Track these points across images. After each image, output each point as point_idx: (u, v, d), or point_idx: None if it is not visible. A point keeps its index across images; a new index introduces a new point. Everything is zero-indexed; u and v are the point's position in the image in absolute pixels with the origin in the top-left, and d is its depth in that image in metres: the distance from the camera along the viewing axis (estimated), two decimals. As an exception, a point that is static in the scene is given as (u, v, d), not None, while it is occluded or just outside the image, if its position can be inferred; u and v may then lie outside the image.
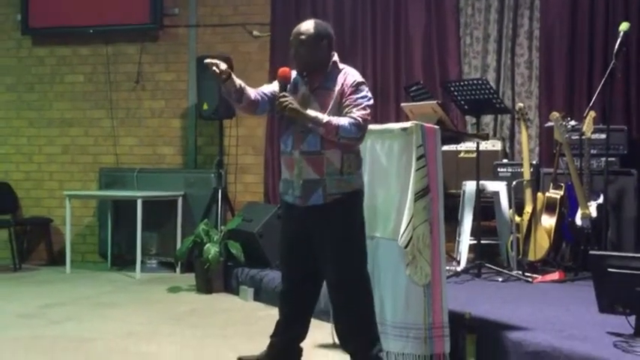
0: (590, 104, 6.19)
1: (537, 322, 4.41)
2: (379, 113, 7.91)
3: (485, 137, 6.51)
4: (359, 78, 4.09)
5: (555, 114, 6.25)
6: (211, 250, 6.86)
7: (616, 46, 5.89)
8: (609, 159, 6.26)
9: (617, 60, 5.90)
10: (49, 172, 9.21)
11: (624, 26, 5.97)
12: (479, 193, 6.30)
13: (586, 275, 5.82)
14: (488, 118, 7.56)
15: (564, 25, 7.36)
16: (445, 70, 7.77)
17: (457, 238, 6.71)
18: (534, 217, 6.32)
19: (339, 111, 4.00)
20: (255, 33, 8.41)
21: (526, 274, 6.10)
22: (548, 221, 6.37)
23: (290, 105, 3.93)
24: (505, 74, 7.66)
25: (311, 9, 8.14)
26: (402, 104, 6.09)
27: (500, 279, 6.05)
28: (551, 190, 6.44)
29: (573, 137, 6.30)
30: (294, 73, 4.20)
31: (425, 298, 4.13)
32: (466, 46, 7.82)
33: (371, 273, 4.37)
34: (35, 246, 9.14)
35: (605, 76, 5.97)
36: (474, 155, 6.36)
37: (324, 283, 4.21)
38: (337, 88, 4.04)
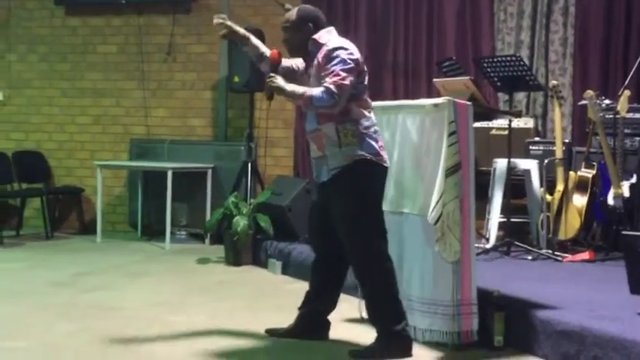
0: (626, 83, 6.12)
1: (566, 301, 4.38)
2: (410, 88, 7.89)
3: (518, 114, 6.48)
4: (334, 44, 4.05)
5: (589, 92, 6.17)
6: (240, 222, 6.88)
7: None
8: (643, 138, 6.19)
9: (654, 38, 5.82)
10: (80, 142, 9.28)
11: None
12: (510, 170, 6.26)
13: (617, 255, 5.77)
14: (520, 95, 7.49)
15: (600, 2, 7.25)
16: (478, 46, 7.70)
17: (487, 216, 6.68)
18: (565, 195, 6.27)
19: (318, 84, 4.02)
20: (287, 6, 8.24)
21: (556, 253, 6.06)
22: (580, 200, 6.31)
23: (273, 84, 4.00)
24: (539, 51, 7.57)
25: (344, -18, 8.11)
26: (434, 80, 6.05)
27: (529, 257, 6.02)
28: (583, 169, 6.38)
29: (607, 116, 6.23)
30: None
31: (453, 275, 4.13)
32: (500, 22, 7.73)
33: (400, 248, 4.38)
34: (67, 215, 9.24)
35: (642, 54, 5.89)
36: (506, 132, 6.30)
37: None
38: (316, 62, 4.09)
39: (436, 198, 4.09)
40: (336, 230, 4.13)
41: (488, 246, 6.30)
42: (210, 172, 8.23)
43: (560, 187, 6.31)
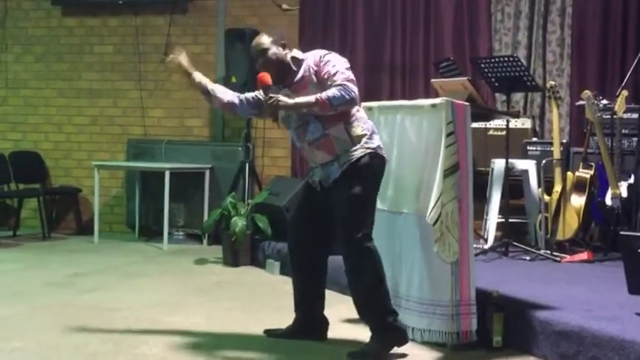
0: (623, 83, 6.13)
1: (565, 301, 4.38)
2: (408, 89, 7.88)
3: (516, 115, 6.47)
4: (322, 51, 4.17)
5: (587, 92, 6.18)
6: (238, 223, 6.88)
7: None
8: (641, 139, 6.18)
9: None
10: (77, 143, 9.27)
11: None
12: (508, 171, 6.25)
13: (615, 256, 5.78)
14: (518, 96, 7.49)
15: (597, 2, 7.26)
16: (475, 46, 7.70)
17: (485, 216, 6.68)
18: (563, 196, 6.28)
19: (321, 90, 4.02)
20: (284, 6, 8.33)
21: (554, 253, 6.06)
22: (578, 201, 6.32)
23: (279, 102, 4.00)
24: (536, 51, 7.57)
25: (340, -17, 8.10)
26: (432, 80, 6.03)
27: (527, 258, 6.02)
28: (581, 170, 6.38)
29: (605, 116, 6.24)
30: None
31: (452, 276, 4.13)
32: (497, 23, 7.74)
33: (398, 249, 4.38)
34: (64, 215, 9.23)
35: (639, 55, 5.89)
36: (504, 133, 6.30)
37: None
38: (307, 74, 4.14)
39: (435, 198, 4.10)
40: (326, 225, 4.16)
41: (486, 246, 6.30)
42: (207, 172, 8.22)
43: (558, 187, 6.31)
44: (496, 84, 6.30)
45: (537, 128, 7.43)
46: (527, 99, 7.54)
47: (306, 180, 4.44)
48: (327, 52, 4.18)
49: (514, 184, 6.59)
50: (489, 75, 6.23)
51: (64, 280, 6.17)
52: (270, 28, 4.51)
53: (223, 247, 7.11)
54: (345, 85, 3.97)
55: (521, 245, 6.18)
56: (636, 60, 5.94)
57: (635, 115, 6.22)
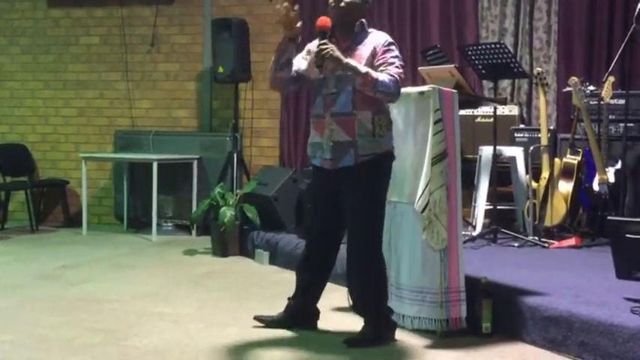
0: (610, 69, 6.14)
1: (554, 287, 4.41)
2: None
3: (503, 102, 6.49)
4: (389, 38, 4.08)
5: (574, 79, 6.20)
6: (227, 213, 6.87)
7: (637, 10, 5.81)
8: (628, 124, 6.19)
9: (637, 24, 5.83)
10: (65, 135, 9.23)
11: (646, -11, 5.88)
12: (495, 158, 6.27)
13: (603, 241, 5.82)
14: (505, 83, 7.50)
15: (584, -12, 7.27)
16: (462, 34, 7.70)
17: (473, 203, 6.69)
18: (551, 182, 6.30)
19: None
20: (272, -4, 8.33)
21: (542, 239, 6.09)
22: (565, 187, 6.34)
23: (332, 52, 3.85)
24: (523, 38, 7.57)
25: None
26: (419, 68, 6.04)
27: (516, 244, 6.05)
28: (569, 156, 6.41)
29: (592, 102, 6.26)
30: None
31: (441, 263, 4.15)
32: (484, 10, 7.73)
33: (388, 237, 4.38)
34: (52, 208, 9.20)
35: (625, 40, 5.91)
36: (491, 120, 6.32)
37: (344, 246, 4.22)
38: (368, 49, 4.01)
39: (423, 186, 4.11)
40: (343, 215, 4.10)
41: (474, 233, 6.32)
42: (195, 163, 8.21)
43: (545, 173, 6.33)
44: (483, 71, 6.31)
45: (525, 115, 7.45)
46: (515, 86, 7.55)
47: (312, 165, 4.27)
48: (392, 40, 4.08)
49: (502, 171, 6.61)
50: (476, 62, 6.24)
51: (53, 272, 6.16)
52: None
53: (212, 237, 7.11)
54: (396, 79, 3.90)
55: (509, 232, 6.20)
56: (622, 46, 5.95)
57: (621, 101, 6.23)
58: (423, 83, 5.62)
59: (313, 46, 4.09)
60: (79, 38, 9.17)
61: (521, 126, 7.13)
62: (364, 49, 4.02)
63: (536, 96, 7.15)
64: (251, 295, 5.38)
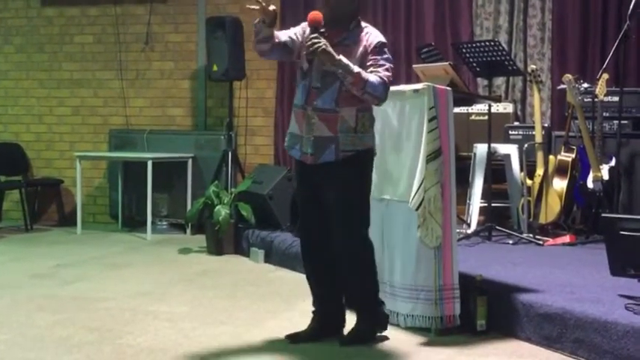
0: (604, 66, 6.14)
1: (548, 284, 4.41)
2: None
3: (497, 99, 6.50)
4: (382, 39, 4.00)
5: (568, 76, 6.21)
6: (222, 212, 6.86)
7: (630, 7, 5.81)
8: (622, 122, 6.20)
9: (631, 21, 5.83)
10: (59, 134, 9.21)
11: (640, -14, 5.88)
12: (490, 155, 6.27)
13: (597, 238, 5.83)
14: (500, 81, 7.50)
15: (578, -14, 7.27)
16: (457, 31, 7.70)
17: (468, 201, 6.69)
18: (545, 180, 6.30)
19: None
20: (265, -6, 8.32)
21: (537, 236, 6.09)
22: (560, 184, 6.35)
23: (323, 47, 3.77)
24: (517, 36, 7.57)
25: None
26: (414, 66, 6.05)
27: (510, 242, 6.05)
28: (563, 153, 6.41)
29: (586, 100, 6.28)
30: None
31: (435, 260, 4.15)
32: (478, 7, 7.73)
33: (381, 235, 4.39)
34: (46, 207, 9.17)
35: (619, 37, 5.91)
36: (486, 117, 6.32)
37: None
38: (359, 47, 3.94)
39: (417, 184, 4.11)
40: (326, 214, 4.01)
41: (469, 231, 6.32)
42: (190, 161, 8.20)
43: (540, 171, 6.34)
44: (477, 69, 6.31)
45: (519, 112, 7.45)
46: (509, 83, 7.55)
47: (294, 159, 4.14)
48: (385, 41, 4.02)
49: (496, 169, 6.61)
50: (471, 60, 6.24)
51: (47, 271, 6.15)
52: None
53: (207, 236, 7.10)
54: (386, 82, 3.85)
55: (504, 229, 6.21)
56: (616, 43, 5.95)
57: (615, 98, 6.23)
58: (418, 81, 5.64)
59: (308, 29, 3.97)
60: (73, 37, 9.15)
61: (516, 123, 7.14)
62: (355, 47, 3.94)
63: (531, 93, 7.16)
64: (246, 294, 5.37)
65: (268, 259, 6.59)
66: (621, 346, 3.60)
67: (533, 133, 6.46)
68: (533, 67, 6.58)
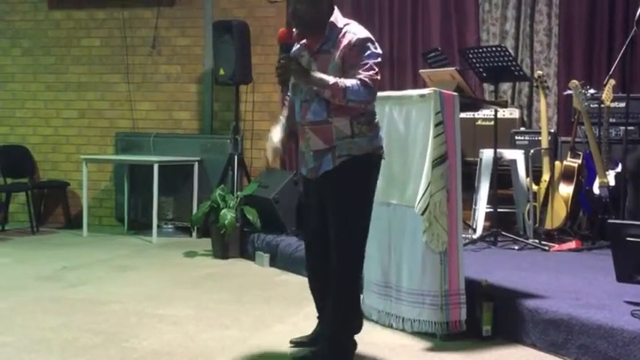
0: (610, 72, 6.14)
1: (554, 290, 4.41)
2: (396, 79, 7.89)
3: (504, 104, 6.49)
4: (361, 34, 3.67)
5: (574, 82, 6.20)
6: (227, 215, 6.87)
7: (637, 13, 5.80)
8: (628, 128, 6.19)
9: (638, 27, 5.82)
10: (65, 136, 9.23)
11: (647, -7, 5.88)
12: (496, 161, 6.27)
13: (603, 244, 5.82)
14: (506, 86, 7.50)
15: (584, -8, 7.27)
16: (463, 36, 7.71)
17: (474, 206, 6.70)
18: (552, 185, 6.30)
19: (341, 75, 3.61)
20: (273, -3, 8.35)
21: (542, 242, 6.08)
22: (566, 190, 6.34)
23: (292, 67, 3.61)
24: (524, 41, 7.58)
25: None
26: (420, 71, 6.05)
27: (516, 247, 6.04)
28: (569, 159, 6.40)
29: (592, 105, 6.26)
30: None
31: (441, 265, 4.15)
32: (485, 13, 7.73)
33: (388, 239, 4.39)
34: (52, 209, 9.20)
35: (626, 43, 5.90)
36: (492, 123, 6.32)
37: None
38: (339, 49, 3.66)
39: (423, 189, 4.11)
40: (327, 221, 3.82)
41: (475, 236, 6.32)
42: (196, 165, 8.21)
43: (546, 176, 6.33)
44: (484, 74, 6.31)
45: (525, 118, 7.45)
46: (515, 89, 7.55)
47: (300, 173, 4.03)
48: (370, 38, 3.68)
49: (502, 174, 6.61)
50: (477, 65, 6.24)
51: (53, 274, 6.16)
52: None
53: (212, 239, 7.11)
54: (367, 82, 3.56)
55: (509, 235, 6.20)
56: (623, 49, 5.94)
57: (622, 104, 6.23)
58: (424, 86, 5.64)
59: (296, 52, 3.86)
60: (80, 40, 9.17)
61: (522, 129, 7.13)
62: (335, 50, 3.68)
63: (537, 99, 7.15)
64: (251, 297, 5.38)
65: (274, 263, 6.59)
66: (627, 352, 3.59)
67: (540, 138, 6.46)
68: (540, 72, 6.57)
